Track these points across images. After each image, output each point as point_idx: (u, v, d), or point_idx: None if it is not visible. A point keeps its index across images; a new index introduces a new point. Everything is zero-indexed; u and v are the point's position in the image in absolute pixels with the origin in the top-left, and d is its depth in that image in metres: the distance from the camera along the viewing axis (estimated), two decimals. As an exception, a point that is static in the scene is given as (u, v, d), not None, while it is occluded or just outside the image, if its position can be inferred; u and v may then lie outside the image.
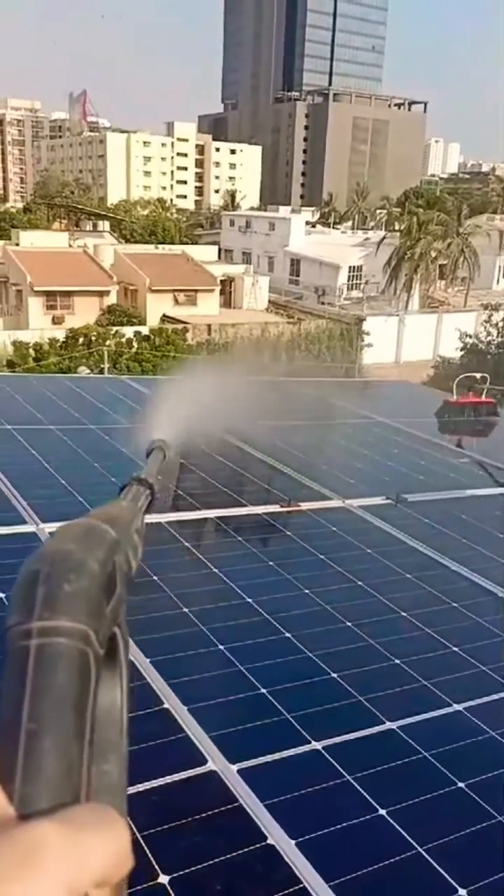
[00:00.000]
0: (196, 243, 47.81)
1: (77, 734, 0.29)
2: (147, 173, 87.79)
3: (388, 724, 1.86)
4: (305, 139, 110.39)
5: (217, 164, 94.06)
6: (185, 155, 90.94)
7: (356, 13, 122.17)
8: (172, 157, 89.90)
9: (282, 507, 3.33)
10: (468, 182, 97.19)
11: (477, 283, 44.00)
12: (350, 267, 44.86)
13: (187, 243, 45.82)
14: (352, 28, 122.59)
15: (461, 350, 22.94)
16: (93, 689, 0.31)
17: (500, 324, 22.10)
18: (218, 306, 36.77)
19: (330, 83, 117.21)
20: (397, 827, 1.52)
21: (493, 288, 46.33)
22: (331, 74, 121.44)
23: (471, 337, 22.67)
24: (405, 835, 1.50)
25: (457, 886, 1.39)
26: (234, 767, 1.63)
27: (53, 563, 0.34)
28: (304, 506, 3.38)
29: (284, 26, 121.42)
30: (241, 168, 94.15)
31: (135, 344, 25.30)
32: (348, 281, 44.90)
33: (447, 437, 5.10)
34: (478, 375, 5.92)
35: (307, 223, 54.75)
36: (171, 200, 70.11)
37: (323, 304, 41.88)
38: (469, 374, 6.10)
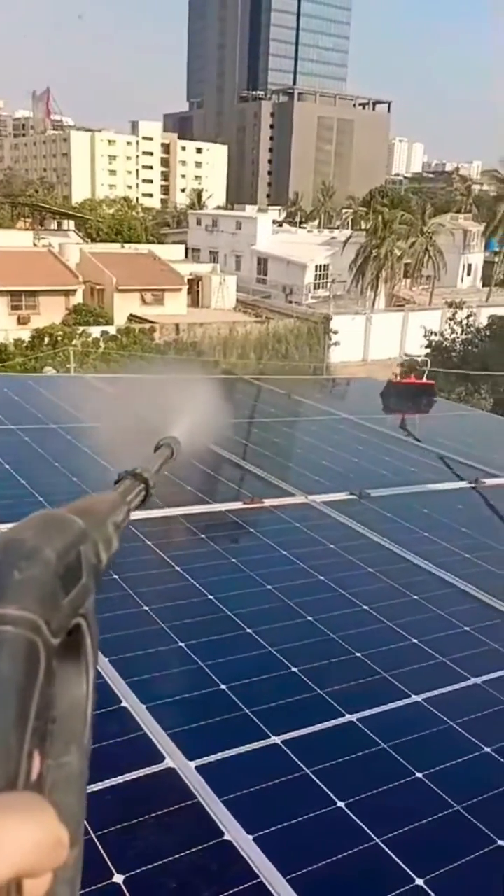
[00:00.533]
0: (163, 242, 47.60)
1: (17, 723, 0.29)
2: (112, 172, 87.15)
3: (348, 717, 1.86)
4: (271, 138, 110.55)
5: (183, 162, 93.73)
6: (151, 153, 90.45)
7: (320, 13, 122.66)
8: (138, 156, 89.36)
9: (245, 503, 3.32)
10: (432, 181, 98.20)
11: (442, 281, 44.48)
12: (317, 266, 45.06)
13: (154, 242, 45.59)
14: (316, 28, 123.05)
15: (427, 348, 23.14)
16: (41, 678, 0.30)
17: (464, 321, 22.33)
18: (186, 305, 36.65)
19: (294, 82, 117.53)
20: (355, 819, 1.52)
21: (458, 286, 46.90)
22: (295, 74, 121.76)
23: (436, 335, 22.87)
24: (363, 826, 1.50)
25: (414, 876, 1.40)
26: (193, 764, 1.62)
27: (5, 550, 0.34)
28: (268, 502, 3.38)
29: (249, 25, 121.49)
30: (207, 167, 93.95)
31: (102, 344, 25.11)
32: (315, 280, 45.09)
33: (409, 430, 5.14)
34: (419, 358, 6.17)
35: (274, 222, 54.85)
36: (137, 199, 69.66)
37: (290, 302, 42.00)
38: (412, 357, 6.32)
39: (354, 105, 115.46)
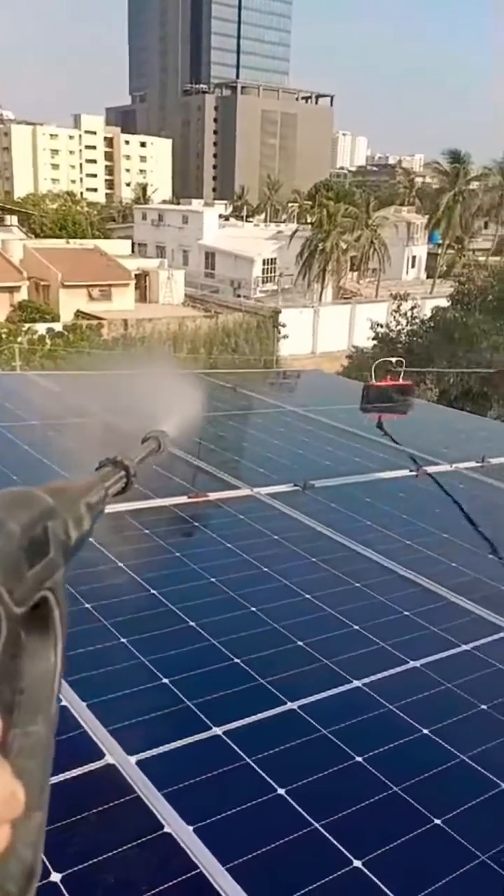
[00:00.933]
0: (108, 237, 47.05)
1: None
2: (55, 166, 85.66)
3: (289, 705, 1.88)
4: (215, 132, 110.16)
5: (127, 156, 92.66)
6: (94, 147, 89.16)
7: (262, 6, 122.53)
8: (81, 150, 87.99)
9: (190, 498, 3.32)
10: (376, 175, 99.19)
11: (388, 273, 45.01)
12: (264, 259, 45.13)
13: (99, 237, 45.02)
14: (258, 21, 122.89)
15: (373, 339, 23.39)
16: (1, 644, 0.31)
17: (409, 313, 22.63)
18: (133, 301, 36.33)
19: (238, 76, 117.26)
20: (295, 805, 1.54)
21: (403, 278, 47.53)
22: (238, 67, 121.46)
23: (382, 326, 23.13)
24: (302, 812, 1.52)
25: (352, 859, 1.42)
26: (133, 759, 1.61)
27: None
28: (213, 496, 3.38)
29: (191, 18, 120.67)
30: (151, 161, 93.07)
31: (48, 341, 24.70)
32: (263, 273, 45.17)
33: (355, 424, 5.19)
34: (394, 360, 6.21)
35: (220, 216, 54.71)
36: (81, 194, 68.66)
37: (239, 297, 41.98)
38: (386, 359, 6.40)
39: (297, 99, 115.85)
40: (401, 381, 5.94)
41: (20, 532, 0.35)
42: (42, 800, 0.34)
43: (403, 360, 6.23)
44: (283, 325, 35.03)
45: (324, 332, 37.32)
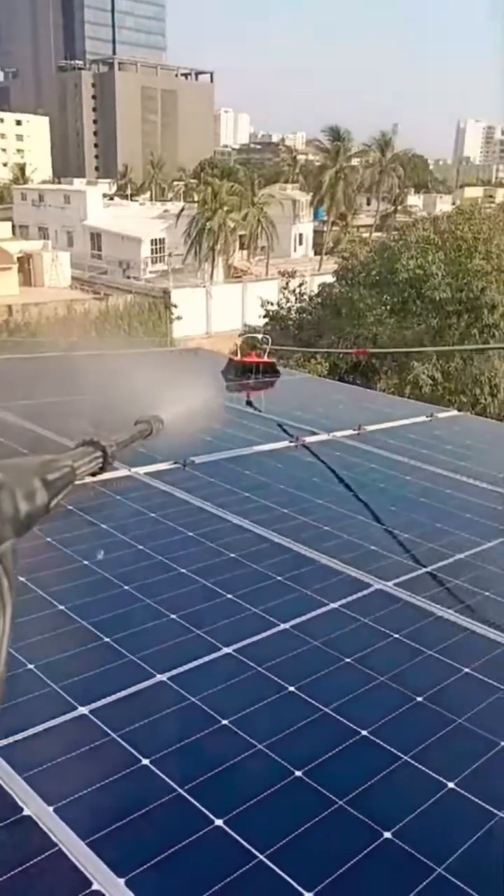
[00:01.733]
0: (-14, 220, 45.00)
1: None
2: None
3: (159, 677, 1.89)
4: (94, 109, 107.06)
5: (2, 135, 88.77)
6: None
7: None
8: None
9: (63, 481, 3.25)
10: (259, 152, 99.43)
11: (276, 251, 45.38)
12: (152, 240, 44.50)
13: (-24, 220, 43.03)
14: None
15: (264, 317, 23.59)
16: None
17: (297, 290, 22.93)
18: (17, 285, 35.05)
19: (114, 52, 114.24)
20: (159, 773, 1.55)
21: (292, 256, 48.05)
22: (114, 43, 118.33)
23: (272, 304, 23.35)
24: (166, 779, 1.54)
25: (213, 818, 1.45)
26: (-7, 747, 1.58)
27: None
28: (88, 479, 3.32)
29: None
30: (28, 139, 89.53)
31: None
32: (152, 254, 44.55)
33: (236, 399, 5.23)
34: (260, 336, 6.24)
35: (104, 195, 53.43)
36: (-45, 175, 65.36)
37: (129, 278, 41.28)
38: (252, 335, 6.44)
39: (177, 75, 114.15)
40: (265, 359, 6.04)
41: None
42: None
43: (269, 338, 6.35)
44: (176, 306, 34.72)
45: (217, 311, 37.28)
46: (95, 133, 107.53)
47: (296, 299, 22.93)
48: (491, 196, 59.82)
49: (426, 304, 17.87)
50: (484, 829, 1.48)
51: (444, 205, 51.16)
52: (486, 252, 17.21)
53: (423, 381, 16.91)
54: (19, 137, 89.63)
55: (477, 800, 1.55)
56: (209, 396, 4.22)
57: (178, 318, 34.05)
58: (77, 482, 0.52)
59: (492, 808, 1.53)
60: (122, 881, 1.28)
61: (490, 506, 3.43)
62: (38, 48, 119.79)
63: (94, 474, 0.65)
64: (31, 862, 1.31)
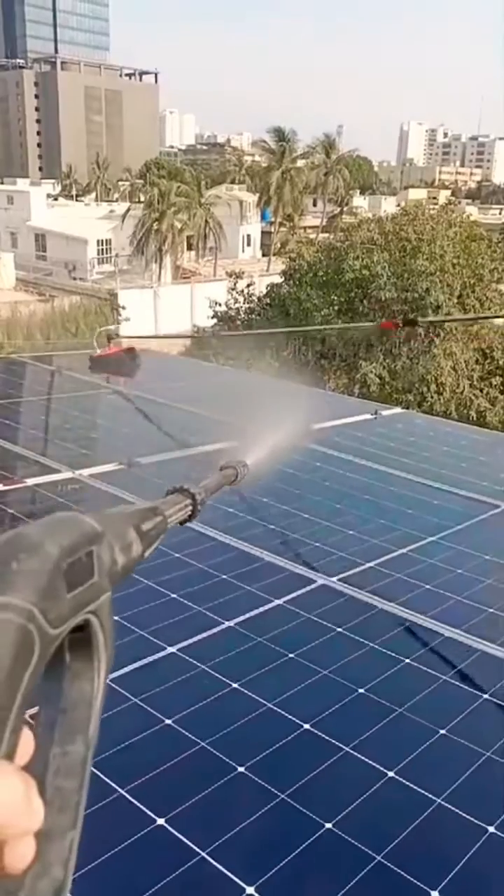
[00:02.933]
0: None
1: (4, 700, 0.30)
2: None
3: (101, 679, 1.87)
4: (37, 108, 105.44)
5: None
6: None
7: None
8: None
9: (4, 485, 3.20)
10: (206, 153, 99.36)
11: (224, 252, 45.39)
12: (98, 240, 44.06)
13: None
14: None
15: (213, 318, 23.58)
16: (34, 664, 0.32)
17: (245, 290, 22.99)
18: (-41, 288, 34.27)
19: (56, 50, 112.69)
20: (99, 773, 1.54)
21: (240, 256, 48.12)
22: (56, 41, 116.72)
23: (220, 305, 23.36)
24: (106, 779, 1.53)
25: (154, 817, 1.44)
26: None
27: (7, 543, 0.35)
28: (30, 481, 3.28)
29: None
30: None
31: None
32: (98, 255, 44.11)
33: (181, 399, 5.20)
34: (112, 327, 6.82)
35: (49, 196, 52.67)
36: None
37: (75, 279, 40.77)
38: (105, 329, 6.83)
39: (121, 75, 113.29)
40: (123, 347, 6.39)
41: (59, 554, 0.36)
42: (77, 819, 0.35)
43: (117, 328, 6.93)
44: (124, 308, 34.43)
45: (165, 312, 37.06)
46: (38, 133, 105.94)
47: (244, 300, 22.99)
48: (434, 198, 60.92)
49: (372, 304, 18.12)
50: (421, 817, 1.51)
51: (389, 206, 51.92)
52: (430, 253, 17.54)
53: (371, 381, 17.14)
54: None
55: (416, 787, 1.58)
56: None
57: (126, 319, 33.77)
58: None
59: (431, 796, 1.56)
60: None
61: (432, 501, 3.50)
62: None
63: (181, 523, 0.66)
64: None
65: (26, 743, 0.32)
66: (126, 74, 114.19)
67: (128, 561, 0.46)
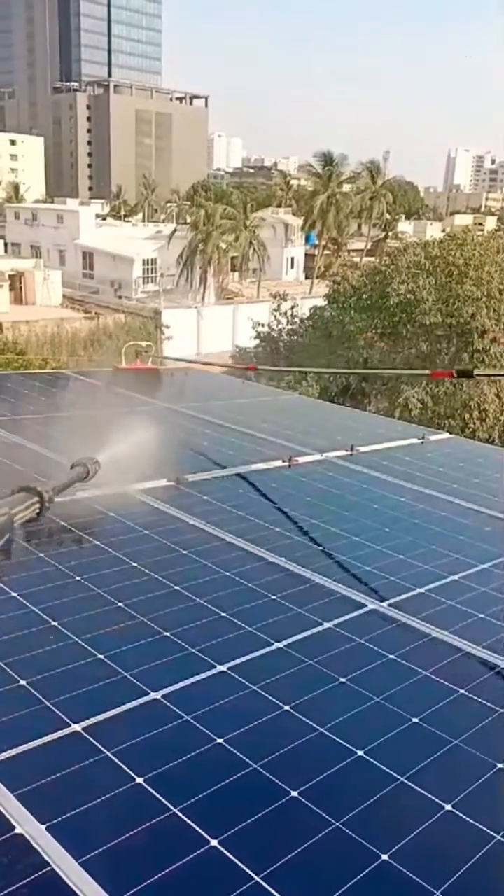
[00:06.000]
0: (-22, 238, 45.18)
1: None
2: None
3: (153, 695, 1.87)
4: (89, 130, 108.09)
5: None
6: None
7: (130, 4, 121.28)
8: None
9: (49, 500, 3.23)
10: (252, 176, 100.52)
11: (268, 274, 45.74)
12: (144, 260, 44.75)
13: (-31, 238, 43.17)
14: (127, 19, 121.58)
15: (256, 339, 23.70)
16: None
17: (289, 312, 23.08)
18: (8, 302, 35.11)
19: (110, 74, 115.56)
20: (153, 792, 1.53)
21: (283, 279, 48.43)
22: (110, 66, 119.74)
23: (263, 326, 23.47)
24: (160, 798, 1.51)
25: (209, 838, 1.43)
26: (-15, 763, 1.55)
27: None
28: (80, 495, 3.31)
29: (58, 14, 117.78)
30: (23, 159, 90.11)
31: None
32: (143, 274, 44.78)
33: (230, 419, 5.22)
34: (143, 344, 6.85)
35: (97, 216, 53.79)
36: None
37: (120, 297, 41.44)
38: (135, 343, 6.93)
39: (171, 99, 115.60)
40: (148, 366, 6.41)
41: None
42: None
43: (153, 346, 6.93)
44: (168, 327, 34.82)
45: (207, 332, 37.40)
46: (90, 154, 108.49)
47: (287, 321, 23.08)
48: (480, 223, 60.63)
49: (416, 329, 18.03)
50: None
51: (434, 231, 51.82)
52: (477, 278, 17.41)
53: (413, 405, 17.00)
54: (13, 157, 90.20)
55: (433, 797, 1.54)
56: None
57: (169, 338, 34.13)
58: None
59: (490, 832, 1.52)
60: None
61: (483, 528, 3.44)
62: (35, 69, 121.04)
63: (30, 520, 0.67)
64: (23, 882, 1.28)
65: None
66: (177, 98, 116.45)
67: None
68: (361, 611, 2.45)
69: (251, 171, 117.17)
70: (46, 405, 5.26)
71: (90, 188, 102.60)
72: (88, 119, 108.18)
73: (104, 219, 56.21)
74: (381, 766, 1.68)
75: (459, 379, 15.23)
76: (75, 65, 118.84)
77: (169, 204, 65.06)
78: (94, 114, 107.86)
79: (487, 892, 1.43)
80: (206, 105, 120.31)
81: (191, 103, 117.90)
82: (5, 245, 44.77)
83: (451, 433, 6.48)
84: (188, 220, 45.54)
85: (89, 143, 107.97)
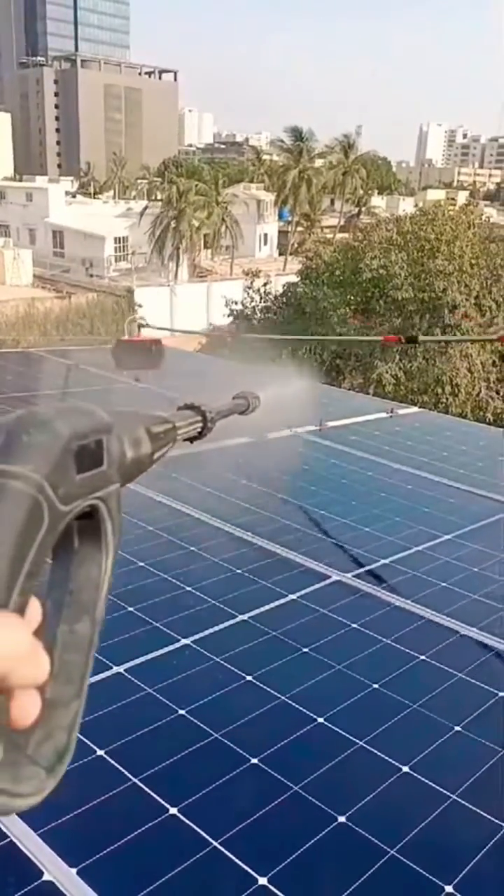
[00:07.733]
0: None
1: (12, 561, 0.30)
2: None
3: (115, 669, 1.88)
4: (56, 106, 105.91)
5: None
6: None
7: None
8: None
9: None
10: (224, 152, 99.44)
11: (241, 251, 45.38)
12: (116, 238, 44.18)
13: None
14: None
15: (229, 316, 23.60)
16: (42, 533, 0.32)
17: (262, 289, 22.98)
18: (-23, 284, 34.50)
19: (77, 48, 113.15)
20: (115, 763, 1.54)
21: (256, 255, 48.08)
22: (76, 39, 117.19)
23: (237, 304, 23.36)
24: (121, 769, 1.53)
25: (168, 806, 1.44)
26: None
27: (19, 419, 0.35)
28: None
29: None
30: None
31: None
32: (115, 252, 44.23)
33: (201, 396, 5.21)
34: (140, 317, 7.08)
35: (67, 193, 52.91)
36: None
37: (92, 276, 40.91)
38: (133, 318, 7.06)
39: (140, 73, 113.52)
40: (150, 337, 6.48)
41: (69, 435, 0.36)
42: (81, 691, 0.36)
43: (145, 319, 7.10)
44: (140, 305, 34.50)
45: (181, 310, 37.09)
46: (58, 130, 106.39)
47: (260, 299, 22.98)
48: (453, 198, 60.59)
49: (389, 304, 18.05)
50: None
51: (407, 206, 51.66)
52: (449, 253, 17.44)
53: (387, 381, 17.08)
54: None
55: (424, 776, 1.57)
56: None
57: (141, 318, 33.82)
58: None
59: (446, 792, 1.55)
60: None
61: (448, 500, 3.48)
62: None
63: (191, 440, 0.66)
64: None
65: (34, 612, 0.32)
66: (146, 72, 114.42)
67: (137, 456, 0.46)
68: (325, 582, 2.48)
69: (223, 146, 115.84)
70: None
71: (59, 165, 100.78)
72: (56, 94, 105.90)
73: (74, 196, 55.28)
74: (341, 732, 1.71)
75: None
76: (41, 38, 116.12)
77: (140, 181, 64.16)
78: (62, 89, 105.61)
79: (442, 850, 1.46)
80: (176, 80, 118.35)
81: (160, 78, 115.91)
82: (-27, 224, 43.91)
83: (423, 408, 6.52)
84: (159, 196, 44.97)
85: (57, 118, 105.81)
